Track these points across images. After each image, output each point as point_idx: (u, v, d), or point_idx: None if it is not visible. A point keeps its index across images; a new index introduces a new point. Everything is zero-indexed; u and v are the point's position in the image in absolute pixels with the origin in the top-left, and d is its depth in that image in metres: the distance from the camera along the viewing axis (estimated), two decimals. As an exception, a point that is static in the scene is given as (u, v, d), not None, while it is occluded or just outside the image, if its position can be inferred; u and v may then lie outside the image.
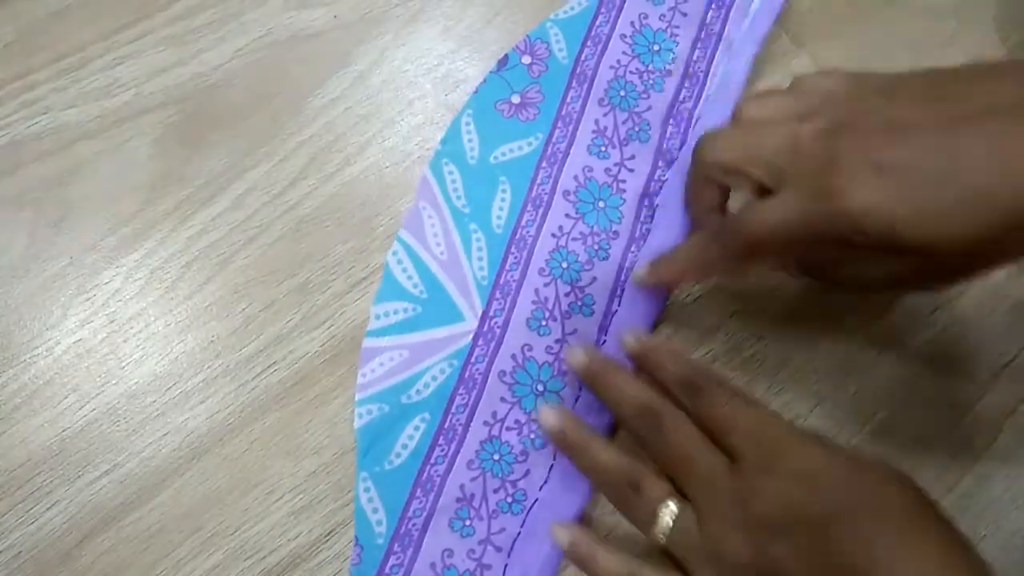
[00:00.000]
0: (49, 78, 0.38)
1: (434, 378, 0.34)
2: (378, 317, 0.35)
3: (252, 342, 0.35)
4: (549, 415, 0.32)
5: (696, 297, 0.36)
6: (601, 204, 0.36)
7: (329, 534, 0.32)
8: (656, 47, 0.39)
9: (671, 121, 0.38)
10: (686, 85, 0.39)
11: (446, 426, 0.33)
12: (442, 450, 0.33)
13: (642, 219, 0.36)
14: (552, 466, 0.33)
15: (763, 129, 0.28)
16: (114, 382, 0.34)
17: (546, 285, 0.35)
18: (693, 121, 0.38)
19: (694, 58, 0.39)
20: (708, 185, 0.31)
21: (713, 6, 0.40)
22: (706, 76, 0.39)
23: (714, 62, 0.39)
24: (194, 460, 0.33)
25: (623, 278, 0.35)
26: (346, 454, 0.33)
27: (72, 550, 0.32)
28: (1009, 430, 0.35)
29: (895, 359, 0.35)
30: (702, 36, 0.39)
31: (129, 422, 0.33)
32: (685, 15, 0.40)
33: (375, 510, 0.32)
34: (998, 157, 0.23)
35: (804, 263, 0.31)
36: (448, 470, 0.33)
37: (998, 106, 0.24)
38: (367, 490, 0.32)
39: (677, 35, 0.39)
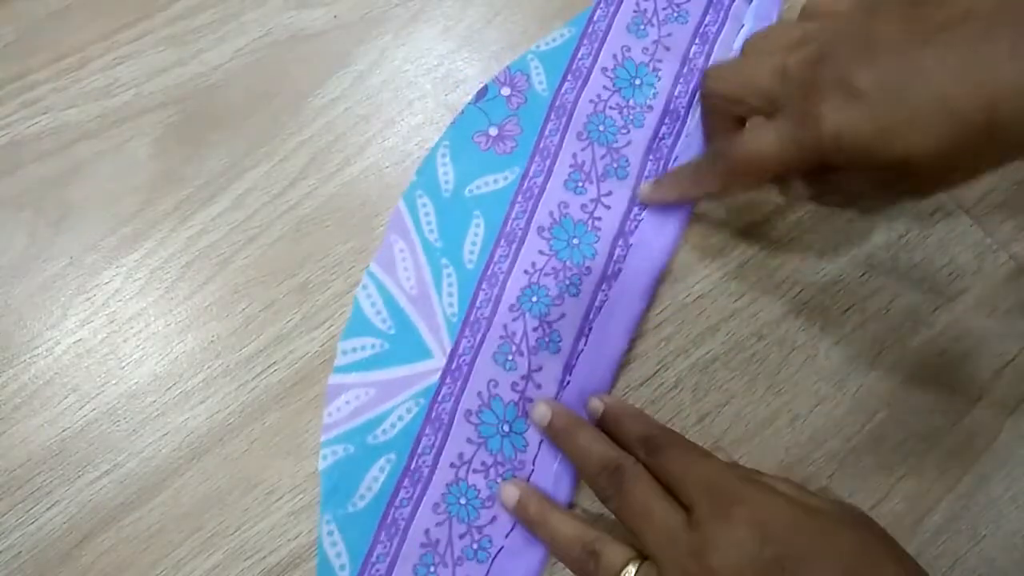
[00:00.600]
0: (49, 78, 0.38)
1: (400, 418, 0.33)
2: (345, 353, 0.34)
3: (252, 342, 0.35)
4: (509, 492, 0.32)
5: (696, 297, 0.36)
6: (575, 241, 0.36)
7: (329, 534, 0.32)
8: (638, 81, 0.38)
9: (650, 158, 0.37)
10: (666, 121, 0.38)
11: (412, 468, 0.33)
12: (407, 492, 0.32)
13: (615, 258, 0.36)
14: None
15: (760, 58, 0.29)
16: (114, 382, 0.34)
17: (515, 320, 0.34)
18: (672, 159, 0.37)
19: (675, 94, 0.38)
20: (716, 115, 0.32)
21: (697, 41, 0.39)
22: (687, 113, 0.38)
23: (695, 98, 0.38)
24: (194, 460, 0.33)
25: (592, 317, 0.35)
26: (346, 454, 0.33)
27: (72, 550, 0.32)
28: (1009, 430, 0.35)
29: (895, 359, 0.35)
30: (684, 71, 0.38)
31: (129, 422, 0.33)
32: (668, 49, 0.39)
33: (338, 554, 0.31)
34: (969, 66, 0.23)
35: (806, 186, 0.31)
36: (413, 514, 0.32)
37: (977, 12, 0.23)
38: (331, 533, 0.32)
39: (659, 69, 0.38)
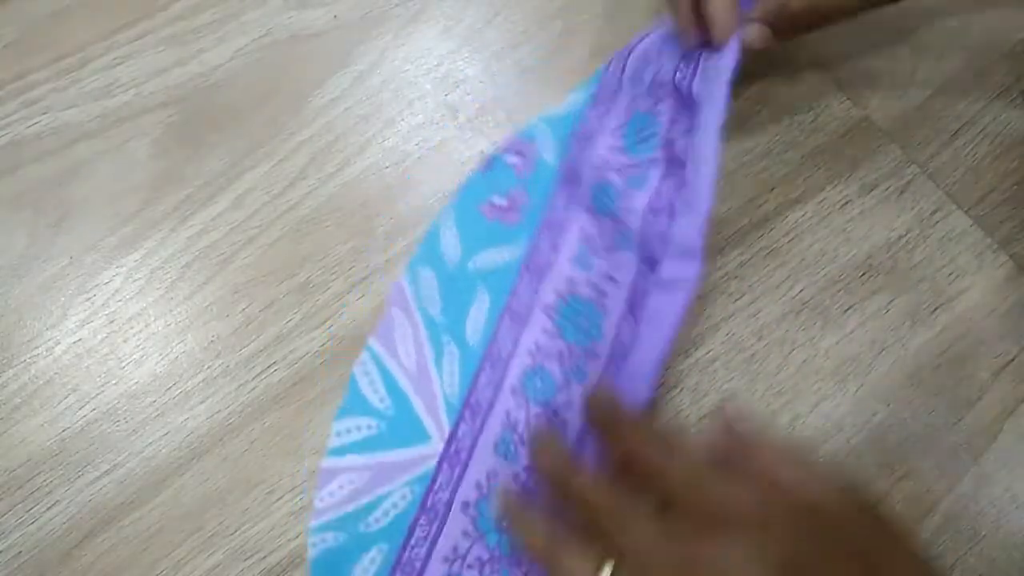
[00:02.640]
0: (49, 78, 0.38)
1: (395, 505, 0.32)
2: (339, 434, 0.33)
3: (252, 342, 0.35)
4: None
5: (697, 297, 0.36)
6: (583, 322, 0.33)
7: (329, 534, 0.32)
8: (645, 133, 0.35)
9: (653, 219, 0.33)
10: (668, 172, 0.34)
11: (403, 560, 0.31)
12: None
13: (623, 338, 0.32)
14: None
15: None
16: (114, 382, 0.34)
17: (518, 406, 0.32)
18: (674, 215, 0.32)
19: (673, 135, 0.34)
20: None
21: (682, 64, 0.35)
22: (685, 154, 0.33)
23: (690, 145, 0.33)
24: (194, 460, 0.33)
25: None
26: (346, 454, 0.33)
27: (72, 550, 0.32)
28: (1009, 430, 0.35)
29: (895, 359, 0.35)
30: (679, 117, 0.35)
31: (129, 422, 0.33)
32: (662, 85, 0.36)
33: None
34: None
35: None
36: None
37: None
38: None
39: (661, 112, 0.35)
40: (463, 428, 0.33)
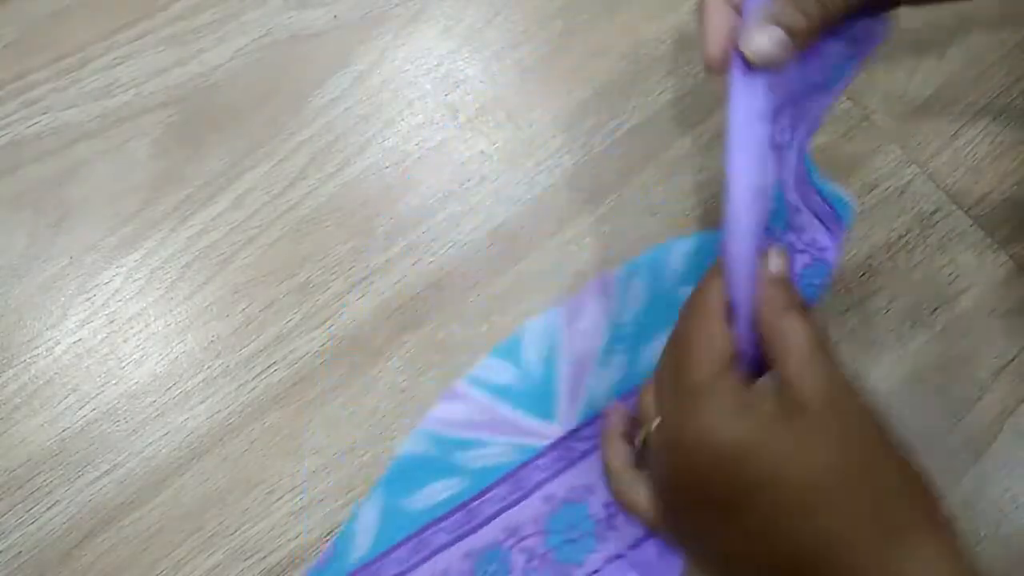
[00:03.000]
0: (49, 78, 0.38)
1: (492, 456, 0.32)
2: (486, 367, 0.34)
3: (252, 342, 0.35)
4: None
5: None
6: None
7: (329, 534, 0.32)
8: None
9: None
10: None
11: (471, 506, 0.32)
12: (454, 525, 0.31)
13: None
14: None
15: None
16: (114, 382, 0.34)
17: None
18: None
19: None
20: None
21: None
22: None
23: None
24: (194, 460, 0.33)
25: None
26: (346, 454, 0.33)
27: (72, 550, 0.32)
28: (1009, 430, 0.35)
29: (895, 359, 0.35)
30: None
31: (129, 422, 0.33)
32: None
33: (366, 534, 0.31)
34: None
35: None
36: (445, 547, 0.31)
37: None
38: (371, 512, 0.31)
39: None
40: (588, 431, 0.33)
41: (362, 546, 0.31)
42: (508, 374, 0.34)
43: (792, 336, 0.24)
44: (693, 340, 0.26)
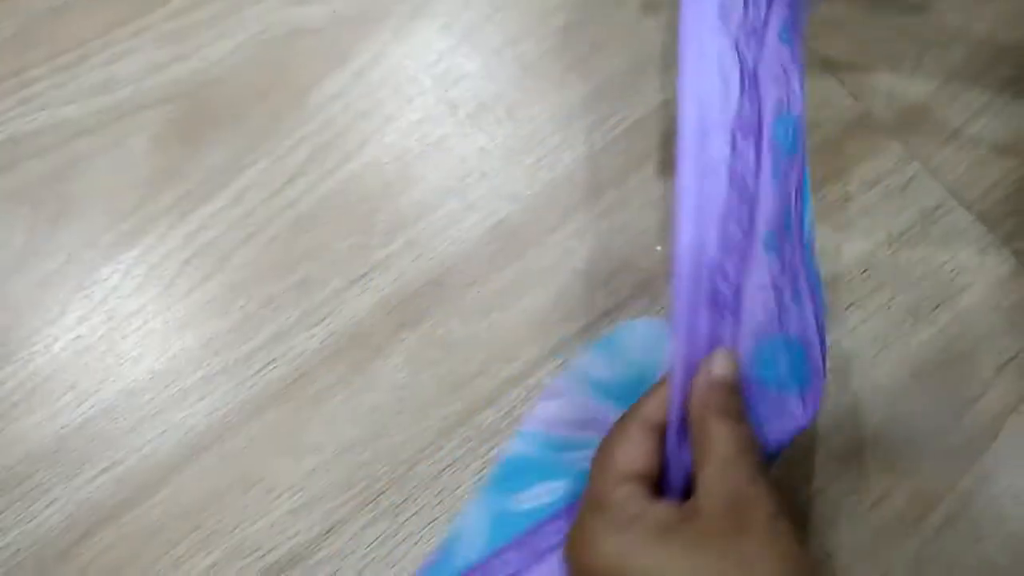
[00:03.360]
0: (47, 74, 0.38)
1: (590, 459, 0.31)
2: (591, 364, 0.33)
3: (251, 339, 0.35)
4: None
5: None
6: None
7: (328, 532, 0.32)
8: None
9: None
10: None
11: (570, 511, 0.31)
12: (558, 528, 0.31)
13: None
14: None
15: None
16: (112, 379, 0.34)
17: None
18: None
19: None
20: None
21: None
22: None
23: None
24: (193, 458, 0.33)
25: None
26: (345, 452, 0.33)
27: (71, 548, 0.32)
28: (1010, 429, 0.35)
29: (895, 359, 0.35)
30: None
31: (127, 419, 0.33)
32: None
33: (477, 532, 0.31)
34: None
35: None
36: (551, 549, 0.30)
37: None
38: (484, 510, 0.31)
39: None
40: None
41: (473, 547, 0.31)
42: (607, 371, 0.33)
43: (716, 441, 0.24)
44: (611, 443, 0.26)
